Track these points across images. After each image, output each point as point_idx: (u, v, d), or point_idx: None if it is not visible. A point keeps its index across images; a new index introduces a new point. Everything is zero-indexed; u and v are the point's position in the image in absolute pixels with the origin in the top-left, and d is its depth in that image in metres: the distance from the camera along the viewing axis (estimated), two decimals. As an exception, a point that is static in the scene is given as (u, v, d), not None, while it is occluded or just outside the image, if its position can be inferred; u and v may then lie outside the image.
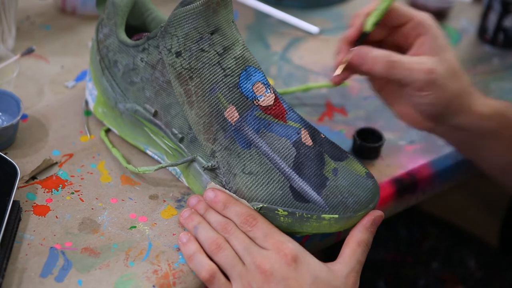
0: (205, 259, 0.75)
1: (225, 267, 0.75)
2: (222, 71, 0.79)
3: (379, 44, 0.86)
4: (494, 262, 1.16)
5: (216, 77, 0.79)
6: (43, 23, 1.08)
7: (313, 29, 1.15)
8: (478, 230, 1.28)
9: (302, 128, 0.80)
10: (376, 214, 0.78)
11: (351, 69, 0.84)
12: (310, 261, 0.75)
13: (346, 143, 0.93)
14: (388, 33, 0.87)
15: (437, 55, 0.83)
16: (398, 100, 0.87)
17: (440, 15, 1.22)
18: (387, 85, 0.88)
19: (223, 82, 0.79)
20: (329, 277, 0.74)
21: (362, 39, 0.84)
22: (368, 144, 0.91)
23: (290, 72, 1.06)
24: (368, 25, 0.84)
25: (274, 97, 0.81)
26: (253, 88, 0.80)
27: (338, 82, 0.85)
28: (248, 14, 1.17)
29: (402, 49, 0.86)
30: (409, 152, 0.94)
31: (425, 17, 0.85)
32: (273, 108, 0.80)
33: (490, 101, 0.86)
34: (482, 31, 1.19)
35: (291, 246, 0.75)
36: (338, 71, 0.84)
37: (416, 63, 0.81)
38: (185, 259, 0.76)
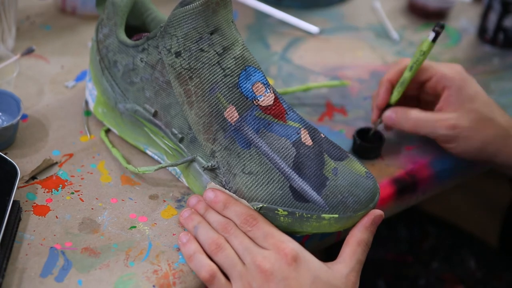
0: (205, 259, 0.75)
1: (225, 267, 0.75)
2: (222, 71, 0.79)
3: (412, 98, 0.95)
4: (494, 262, 1.16)
5: (215, 77, 0.79)
6: (43, 23, 1.08)
7: (313, 29, 1.15)
8: (478, 230, 1.28)
9: (302, 128, 0.80)
10: (376, 214, 0.78)
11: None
12: (310, 261, 0.75)
13: (346, 143, 0.93)
14: (418, 88, 0.94)
15: (462, 107, 0.88)
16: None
17: (440, 15, 1.22)
18: None
19: (223, 82, 0.79)
20: (329, 277, 0.74)
21: (386, 107, 0.92)
22: (368, 144, 0.91)
23: (290, 72, 1.06)
24: (393, 100, 0.91)
25: (273, 97, 0.81)
26: (253, 88, 0.80)
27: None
28: (248, 14, 1.17)
29: (432, 103, 0.92)
30: (409, 152, 0.94)
31: (448, 69, 0.90)
32: (273, 108, 0.80)
33: None
34: (482, 31, 1.19)
35: (291, 246, 0.75)
36: (375, 126, 0.93)
37: (438, 120, 0.88)
38: (185, 259, 0.76)
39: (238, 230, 0.76)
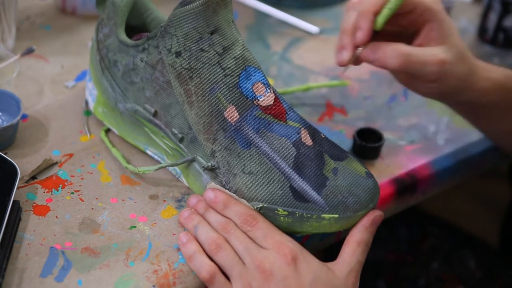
0: (205, 259, 0.75)
1: (225, 267, 0.74)
2: (222, 71, 0.79)
3: (382, 32, 0.84)
4: (494, 262, 1.16)
5: (216, 77, 0.79)
6: (43, 23, 1.08)
7: (313, 29, 1.15)
8: (478, 230, 1.28)
9: (302, 128, 0.80)
10: (375, 214, 0.78)
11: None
12: (310, 261, 0.75)
13: (346, 143, 0.93)
14: (394, 20, 0.84)
15: (445, 41, 0.82)
16: (404, 74, 0.86)
17: (440, 15, 1.22)
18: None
19: (223, 82, 0.79)
20: (329, 277, 0.74)
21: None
22: (368, 144, 0.91)
23: (290, 72, 1.06)
24: (379, 25, 0.81)
25: (274, 97, 0.81)
26: (253, 88, 0.80)
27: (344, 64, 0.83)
28: (248, 14, 1.17)
29: (405, 36, 0.85)
30: (409, 152, 0.94)
31: (432, 3, 0.83)
32: (273, 108, 0.80)
33: (491, 73, 0.87)
34: (482, 31, 1.19)
35: (291, 245, 0.75)
36: (344, 69, 0.83)
37: (428, 55, 0.80)
38: (185, 259, 0.76)
39: (238, 230, 0.76)
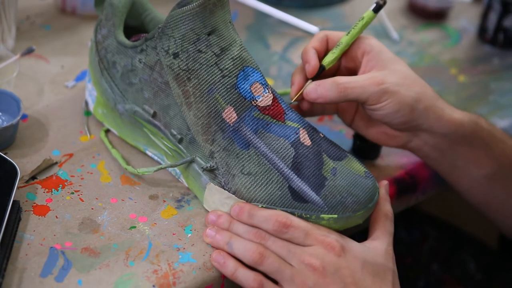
0: (249, 272, 0.75)
1: (273, 274, 0.75)
2: (220, 72, 0.79)
3: (334, 72, 0.89)
4: (494, 264, 1.15)
5: (213, 78, 0.79)
6: (43, 23, 1.08)
7: (313, 29, 1.15)
8: (478, 232, 1.28)
9: (301, 128, 0.80)
10: (384, 185, 0.82)
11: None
12: (354, 246, 0.76)
13: (346, 143, 0.93)
14: (339, 62, 0.88)
15: (385, 68, 0.84)
16: (369, 124, 0.88)
17: (440, 15, 1.22)
18: (356, 114, 0.89)
19: (221, 83, 0.79)
20: (373, 256, 0.76)
21: (319, 73, 0.85)
22: (368, 144, 0.91)
23: (290, 72, 1.06)
24: (327, 62, 0.86)
25: (272, 97, 0.81)
26: (251, 88, 0.80)
27: (301, 110, 0.88)
28: (248, 14, 1.17)
29: (354, 73, 0.88)
30: (409, 152, 0.94)
31: (366, 37, 0.87)
32: (271, 108, 0.80)
33: (460, 110, 0.87)
34: (482, 31, 1.19)
35: (334, 237, 0.76)
36: (294, 102, 0.86)
37: (365, 79, 0.83)
38: (228, 277, 0.76)
39: (272, 236, 0.76)
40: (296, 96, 0.85)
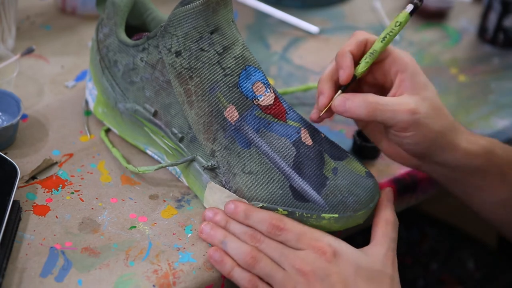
0: (244, 273, 0.75)
1: (266, 277, 0.75)
2: (222, 70, 0.79)
3: (360, 81, 0.85)
4: (493, 263, 1.15)
5: (216, 77, 0.79)
6: (43, 23, 1.08)
7: (313, 29, 1.15)
8: (477, 231, 1.28)
9: (302, 128, 0.80)
10: (387, 191, 0.81)
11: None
12: (348, 251, 0.75)
13: (346, 143, 0.93)
14: (369, 69, 0.84)
15: (417, 93, 0.80)
16: (383, 138, 0.85)
17: (440, 15, 1.22)
18: (371, 123, 0.86)
19: (223, 82, 0.79)
20: (369, 262, 0.75)
21: (350, 83, 0.81)
22: (368, 144, 0.91)
23: (290, 72, 1.06)
24: (359, 72, 0.81)
25: (274, 97, 0.81)
26: (253, 87, 0.80)
27: (319, 121, 0.83)
28: (248, 14, 1.17)
29: (382, 86, 0.84)
30: (409, 152, 0.94)
31: (403, 53, 0.82)
32: (273, 107, 0.80)
33: (476, 138, 0.84)
34: (482, 31, 1.19)
35: (327, 241, 0.75)
36: (323, 114, 0.82)
37: (398, 104, 0.79)
38: (224, 275, 0.76)
39: (267, 238, 0.76)
40: (326, 108, 0.81)
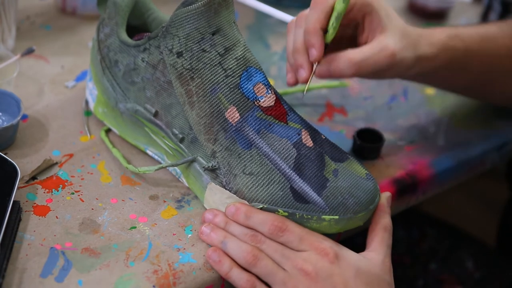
0: (242, 273, 0.75)
1: (266, 277, 0.75)
2: (223, 71, 0.79)
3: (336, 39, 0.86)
4: (493, 263, 1.16)
5: (217, 78, 0.79)
6: (43, 23, 1.08)
7: (313, 29, 1.14)
8: (476, 231, 1.28)
9: (303, 129, 0.80)
10: (386, 196, 0.81)
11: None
12: (348, 255, 0.76)
13: (346, 144, 0.93)
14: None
15: (387, 27, 0.84)
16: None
17: (440, 15, 1.22)
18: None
19: (224, 83, 0.79)
20: (369, 266, 0.76)
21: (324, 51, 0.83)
22: (368, 144, 0.91)
23: (290, 73, 1.06)
24: (329, 39, 0.82)
25: (275, 98, 0.81)
26: (254, 88, 0.80)
27: (296, 84, 0.87)
28: (248, 14, 1.17)
29: (354, 32, 0.87)
30: (409, 152, 0.94)
31: None
32: (274, 109, 0.80)
33: (433, 38, 0.88)
34: (481, 32, 1.19)
35: (329, 243, 0.75)
36: (304, 94, 0.86)
37: (377, 52, 0.82)
38: (222, 276, 0.76)
39: (267, 238, 0.76)
40: (308, 84, 0.83)
